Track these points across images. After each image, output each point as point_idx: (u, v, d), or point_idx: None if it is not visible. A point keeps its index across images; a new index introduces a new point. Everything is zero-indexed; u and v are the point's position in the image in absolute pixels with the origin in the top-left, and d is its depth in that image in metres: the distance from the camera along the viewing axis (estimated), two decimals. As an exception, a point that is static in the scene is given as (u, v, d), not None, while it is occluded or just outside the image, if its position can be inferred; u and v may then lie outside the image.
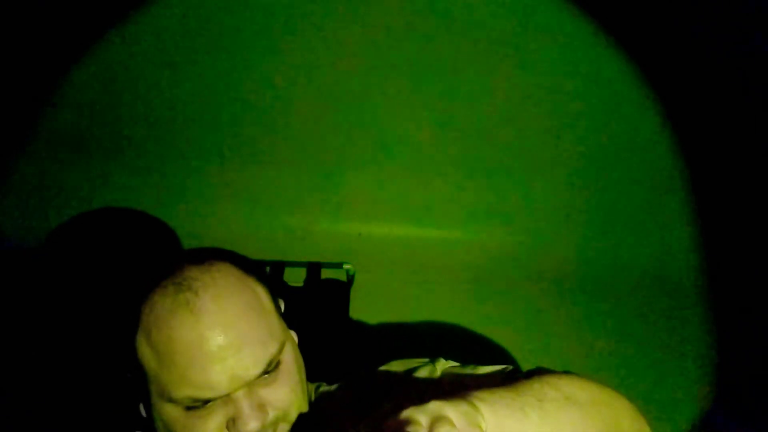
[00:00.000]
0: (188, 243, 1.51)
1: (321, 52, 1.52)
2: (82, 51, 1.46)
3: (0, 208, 1.58)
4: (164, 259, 0.67)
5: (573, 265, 1.69)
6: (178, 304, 0.60)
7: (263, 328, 0.63)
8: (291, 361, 0.67)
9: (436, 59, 1.54)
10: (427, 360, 0.76)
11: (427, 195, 1.70)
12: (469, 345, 1.49)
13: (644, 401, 1.51)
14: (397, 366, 0.77)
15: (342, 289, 1.19)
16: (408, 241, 1.69)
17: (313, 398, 0.75)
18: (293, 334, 0.73)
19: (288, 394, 0.64)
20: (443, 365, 0.74)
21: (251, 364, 0.60)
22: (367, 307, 1.35)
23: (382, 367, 0.78)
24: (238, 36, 1.49)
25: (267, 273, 1.12)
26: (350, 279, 1.22)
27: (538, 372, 0.65)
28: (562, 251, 1.71)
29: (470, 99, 1.59)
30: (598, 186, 1.70)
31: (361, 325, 1.44)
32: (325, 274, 1.22)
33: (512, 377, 0.66)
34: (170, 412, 0.61)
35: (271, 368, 0.63)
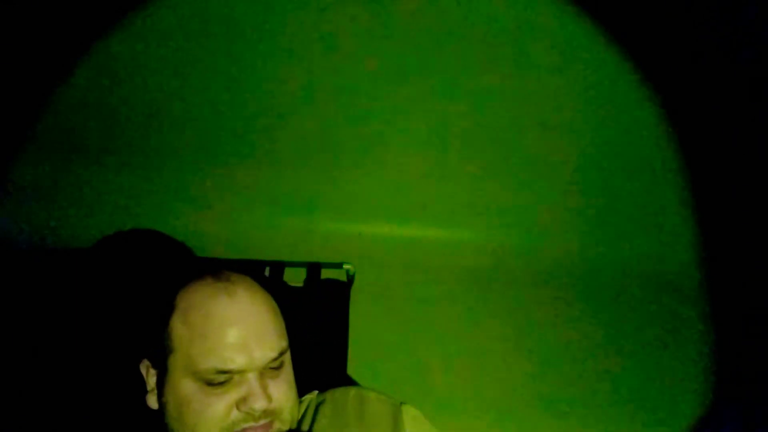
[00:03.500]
0: (188, 243, 1.51)
1: (321, 53, 1.52)
2: (82, 51, 1.46)
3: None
4: (190, 265, 0.76)
5: (573, 265, 1.69)
6: (217, 288, 0.72)
7: (279, 325, 0.75)
8: (289, 366, 0.76)
9: (436, 60, 1.54)
10: (398, 403, 0.80)
11: (427, 195, 1.70)
12: (468, 345, 1.48)
13: (644, 401, 1.51)
14: (373, 397, 0.81)
15: (342, 289, 1.19)
16: (408, 241, 1.69)
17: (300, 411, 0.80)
18: None
19: (287, 392, 0.73)
20: (409, 413, 0.79)
21: (269, 349, 0.71)
22: (367, 307, 1.35)
23: (359, 390, 0.81)
24: (238, 37, 1.49)
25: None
26: (350, 279, 1.22)
27: None
28: (562, 251, 1.71)
29: (470, 99, 1.59)
30: (597, 186, 1.70)
31: (361, 325, 1.44)
32: (325, 274, 1.22)
33: None
34: (188, 387, 0.69)
35: (278, 364, 0.72)
